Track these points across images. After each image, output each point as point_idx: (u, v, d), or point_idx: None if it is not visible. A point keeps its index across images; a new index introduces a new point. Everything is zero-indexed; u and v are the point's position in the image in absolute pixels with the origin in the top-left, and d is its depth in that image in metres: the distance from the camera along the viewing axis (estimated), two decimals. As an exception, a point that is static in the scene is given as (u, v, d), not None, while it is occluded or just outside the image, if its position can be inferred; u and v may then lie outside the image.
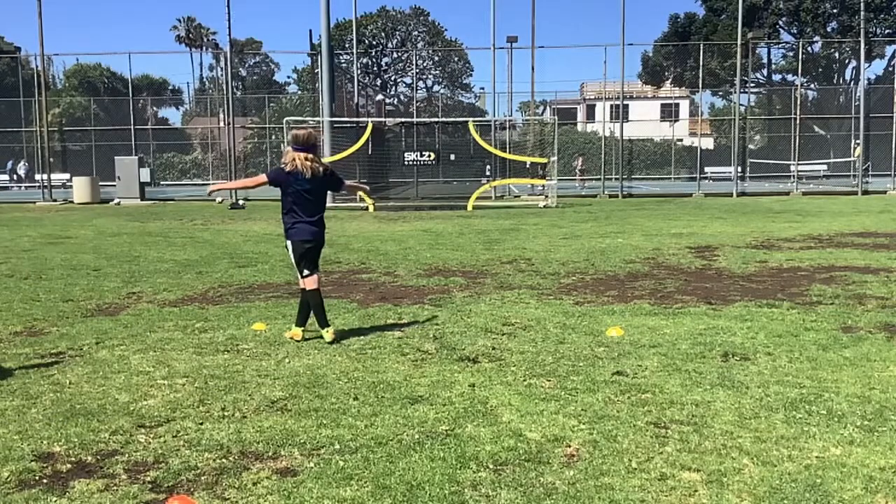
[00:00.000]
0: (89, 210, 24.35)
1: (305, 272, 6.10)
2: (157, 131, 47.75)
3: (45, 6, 38.31)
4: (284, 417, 4.31)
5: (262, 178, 6.08)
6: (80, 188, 28.84)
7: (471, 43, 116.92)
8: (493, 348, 5.80)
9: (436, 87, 66.06)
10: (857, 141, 30.86)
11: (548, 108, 54.50)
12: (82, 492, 3.41)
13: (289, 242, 6.08)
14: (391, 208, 22.33)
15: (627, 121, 35.32)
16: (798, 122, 33.15)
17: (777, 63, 54.71)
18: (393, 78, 66.47)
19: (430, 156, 25.34)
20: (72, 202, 28.42)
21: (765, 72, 53.55)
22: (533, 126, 36.90)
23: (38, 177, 32.89)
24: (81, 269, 10.24)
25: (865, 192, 28.62)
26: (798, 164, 33.11)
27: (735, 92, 33.63)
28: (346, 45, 45.13)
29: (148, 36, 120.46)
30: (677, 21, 53.99)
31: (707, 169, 40.42)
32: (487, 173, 27.95)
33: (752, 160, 41.96)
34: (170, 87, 60.58)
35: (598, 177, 33.12)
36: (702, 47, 37.29)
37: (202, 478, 3.54)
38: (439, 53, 64.55)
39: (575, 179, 37.77)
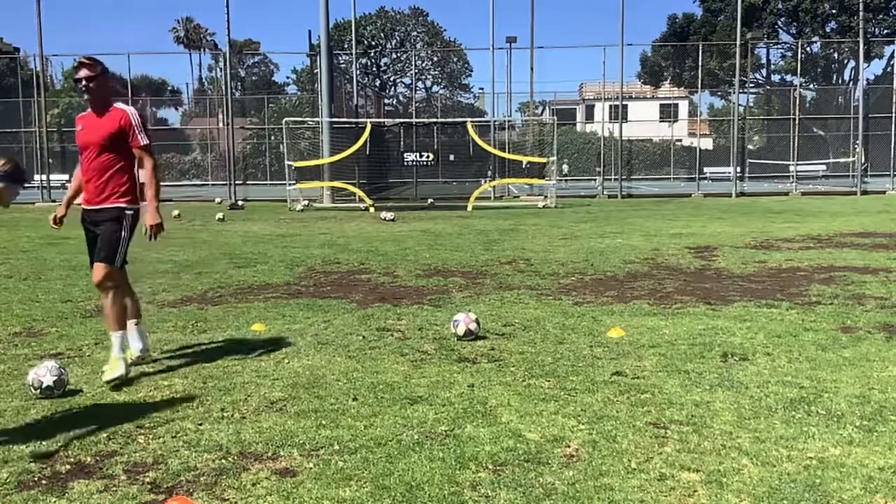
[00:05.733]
0: (88, 211, 24.30)
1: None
2: (156, 132, 47.72)
3: (44, 7, 38.32)
4: (284, 418, 4.31)
5: None
6: (80, 189, 28.78)
7: (470, 43, 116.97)
8: (493, 349, 5.80)
9: (435, 88, 66.10)
10: (858, 143, 30.88)
11: (547, 108, 54.53)
12: (81, 492, 3.41)
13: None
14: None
15: (626, 121, 35.32)
16: (797, 122, 33.18)
17: (776, 63, 54.78)
18: (392, 78, 66.48)
19: (429, 156, 25.35)
20: (71, 203, 28.37)
21: (764, 72, 53.59)
22: (532, 126, 36.91)
23: (37, 177, 32.86)
24: (81, 269, 10.21)
25: (864, 193, 28.64)
26: (797, 165, 33.14)
27: (734, 92, 33.65)
28: (345, 46, 45.13)
29: (147, 36, 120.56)
30: (676, 21, 54.03)
31: (706, 169, 40.45)
32: (489, 174, 27.95)
33: (751, 160, 42.02)
34: (169, 88, 60.69)
35: (594, 177, 33.10)
36: (700, 47, 37.32)
37: (201, 478, 3.54)
38: (438, 54, 64.57)
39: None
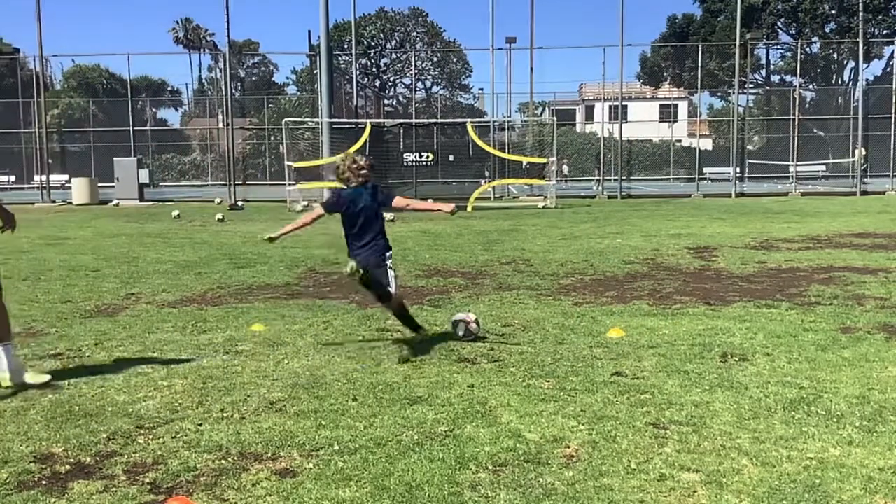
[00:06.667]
0: (88, 211, 24.35)
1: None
2: (155, 132, 47.77)
3: (44, 7, 38.35)
4: (283, 418, 4.31)
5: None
6: (79, 189, 28.84)
7: (469, 44, 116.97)
8: (492, 349, 5.80)
9: (434, 88, 66.08)
10: (858, 145, 30.88)
11: (547, 108, 54.52)
12: (81, 493, 3.40)
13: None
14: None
15: (626, 121, 35.32)
16: (797, 122, 33.18)
17: (775, 64, 54.83)
18: (392, 79, 66.47)
19: (429, 157, 25.35)
20: (70, 203, 28.41)
21: (763, 72, 53.62)
22: (532, 127, 36.91)
23: (36, 178, 32.91)
24: (80, 270, 10.23)
25: (864, 193, 28.66)
26: (797, 165, 33.15)
27: (734, 93, 33.66)
28: (345, 46, 45.16)
29: (146, 37, 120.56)
30: (675, 22, 54.07)
31: (706, 170, 40.46)
32: (487, 174, 27.95)
33: (750, 161, 42.02)
34: (168, 89, 60.64)
35: (598, 177, 33.09)
36: (700, 48, 37.30)
37: (201, 479, 3.54)
38: (438, 54, 64.55)
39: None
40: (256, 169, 47.71)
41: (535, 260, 10.83)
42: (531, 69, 32.13)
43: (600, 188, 31.02)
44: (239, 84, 61.09)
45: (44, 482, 3.52)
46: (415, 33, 66.72)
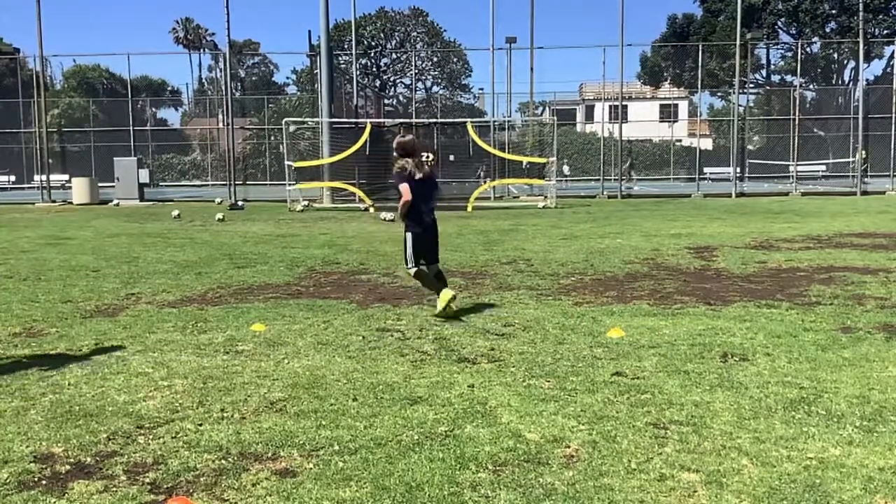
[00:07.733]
0: (88, 211, 24.34)
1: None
2: (155, 132, 47.75)
3: (44, 7, 38.37)
4: (283, 418, 4.31)
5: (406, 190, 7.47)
6: (79, 189, 28.86)
7: (470, 44, 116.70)
8: (493, 349, 5.80)
9: (435, 88, 66.04)
10: (858, 145, 30.86)
11: (547, 108, 54.52)
12: (81, 493, 3.41)
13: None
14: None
15: (626, 121, 35.30)
16: (797, 122, 33.17)
17: (776, 64, 54.81)
18: (392, 79, 66.45)
19: (429, 157, 25.29)
20: (71, 203, 28.42)
21: (763, 72, 53.62)
22: (532, 127, 36.92)
23: (36, 178, 32.92)
24: (80, 270, 10.23)
25: (864, 193, 28.66)
26: (797, 165, 33.15)
27: (734, 92, 33.64)
28: (345, 46, 45.19)
29: (146, 37, 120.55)
30: (676, 22, 54.05)
31: (706, 169, 40.48)
32: (481, 174, 27.96)
33: (750, 161, 42.01)
34: (169, 88, 60.69)
35: (595, 177, 33.09)
36: (700, 48, 37.27)
37: (201, 479, 3.54)
38: (438, 54, 64.53)
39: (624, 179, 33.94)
40: (257, 169, 47.74)
41: (535, 260, 10.83)
42: (531, 69, 32.11)
43: (610, 186, 31.00)
44: (239, 84, 61.15)
45: (44, 482, 3.52)
46: (415, 33, 66.67)
